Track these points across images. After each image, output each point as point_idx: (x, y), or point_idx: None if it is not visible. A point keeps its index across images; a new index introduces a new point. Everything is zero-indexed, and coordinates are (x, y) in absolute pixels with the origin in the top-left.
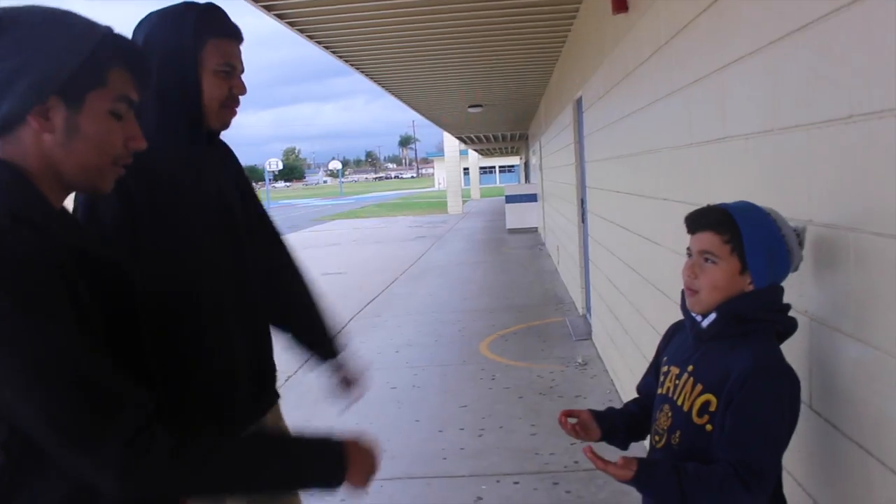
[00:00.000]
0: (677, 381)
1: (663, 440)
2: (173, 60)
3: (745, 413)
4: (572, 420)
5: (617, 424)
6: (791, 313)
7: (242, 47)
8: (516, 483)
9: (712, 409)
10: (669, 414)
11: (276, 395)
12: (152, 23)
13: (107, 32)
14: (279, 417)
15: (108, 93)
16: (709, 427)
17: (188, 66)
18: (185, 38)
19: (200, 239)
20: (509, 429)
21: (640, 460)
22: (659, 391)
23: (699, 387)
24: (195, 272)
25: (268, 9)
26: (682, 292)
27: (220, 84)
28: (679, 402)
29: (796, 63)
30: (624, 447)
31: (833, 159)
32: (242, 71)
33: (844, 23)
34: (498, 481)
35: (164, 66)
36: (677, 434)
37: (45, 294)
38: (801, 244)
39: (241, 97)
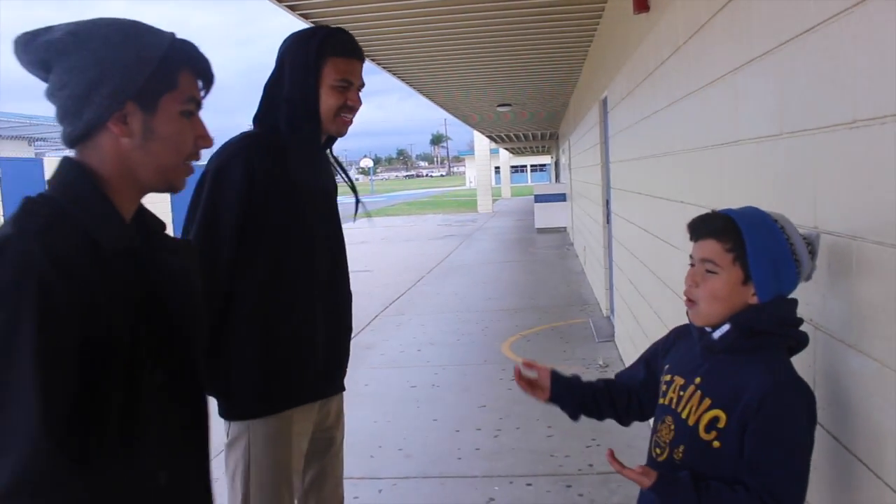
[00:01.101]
0: (681, 393)
1: (665, 453)
2: (299, 74)
3: (765, 437)
4: (531, 374)
5: (573, 394)
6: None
7: (276, 47)
8: (529, 485)
9: (721, 425)
10: (672, 427)
11: (343, 387)
12: (288, 41)
13: (172, 39)
14: (341, 410)
15: (179, 95)
16: (716, 444)
17: (310, 79)
18: (310, 55)
19: (307, 219)
20: (526, 430)
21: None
22: (661, 401)
23: (707, 401)
24: (297, 246)
25: (292, 9)
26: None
27: (336, 96)
28: (684, 416)
29: (804, 66)
30: (573, 418)
31: (837, 165)
32: (361, 86)
33: (849, 25)
34: (511, 482)
35: (292, 77)
36: (681, 449)
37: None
38: (813, 253)
39: (356, 108)
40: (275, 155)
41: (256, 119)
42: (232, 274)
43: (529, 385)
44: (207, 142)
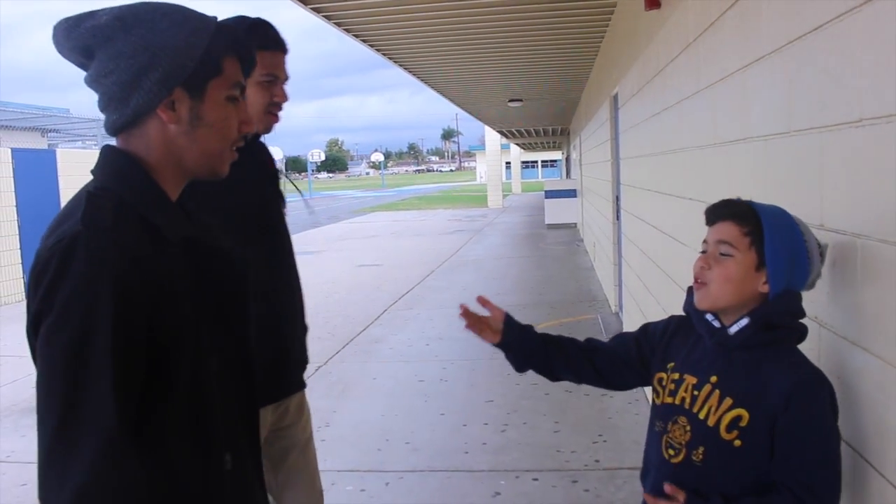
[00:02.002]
0: (696, 393)
1: (681, 455)
2: None
3: (798, 436)
4: (484, 311)
5: (523, 344)
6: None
7: (289, 39)
8: (535, 480)
9: (743, 423)
10: (688, 428)
11: (299, 385)
12: None
13: (217, 23)
14: (302, 407)
15: (225, 80)
16: (738, 443)
17: None
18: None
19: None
20: (533, 425)
21: (688, 492)
22: (669, 400)
23: (728, 400)
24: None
25: (304, 2)
26: (688, 290)
27: (262, 92)
28: (702, 416)
29: (812, 64)
30: (518, 370)
31: (843, 164)
32: (286, 80)
33: (856, 24)
34: (517, 477)
35: None
36: (700, 450)
37: (93, 312)
38: (823, 257)
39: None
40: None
41: None
42: None
43: (478, 324)
44: (251, 126)
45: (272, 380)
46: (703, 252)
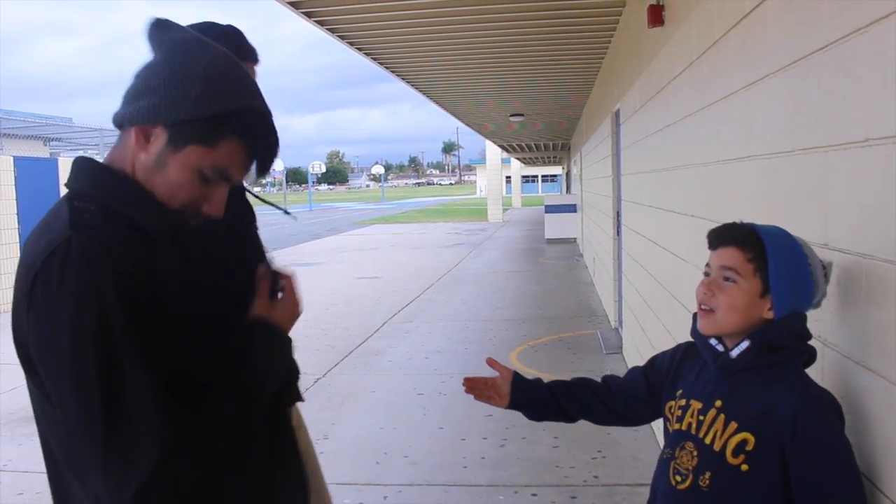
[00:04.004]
0: (701, 418)
1: (688, 481)
2: None
3: (811, 460)
4: (493, 375)
5: (533, 400)
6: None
7: (292, 51)
8: (534, 495)
9: (749, 448)
10: (695, 453)
11: (299, 396)
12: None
13: (252, 107)
14: (299, 416)
15: (210, 155)
16: (744, 467)
17: None
18: None
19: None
20: (532, 440)
21: None
22: (676, 427)
23: (733, 424)
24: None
25: (308, 15)
26: (694, 315)
27: None
28: (708, 441)
29: (817, 84)
30: (532, 420)
31: (848, 183)
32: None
33: (862, 44)
34: (516, 492)
35: None
36: (707, 475)
37: (97, 319)
38: (827, 278)
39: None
40: None
41: None
42: None
43: (485, 392)
44: (213, 211)
45: None
46: (707, 275)
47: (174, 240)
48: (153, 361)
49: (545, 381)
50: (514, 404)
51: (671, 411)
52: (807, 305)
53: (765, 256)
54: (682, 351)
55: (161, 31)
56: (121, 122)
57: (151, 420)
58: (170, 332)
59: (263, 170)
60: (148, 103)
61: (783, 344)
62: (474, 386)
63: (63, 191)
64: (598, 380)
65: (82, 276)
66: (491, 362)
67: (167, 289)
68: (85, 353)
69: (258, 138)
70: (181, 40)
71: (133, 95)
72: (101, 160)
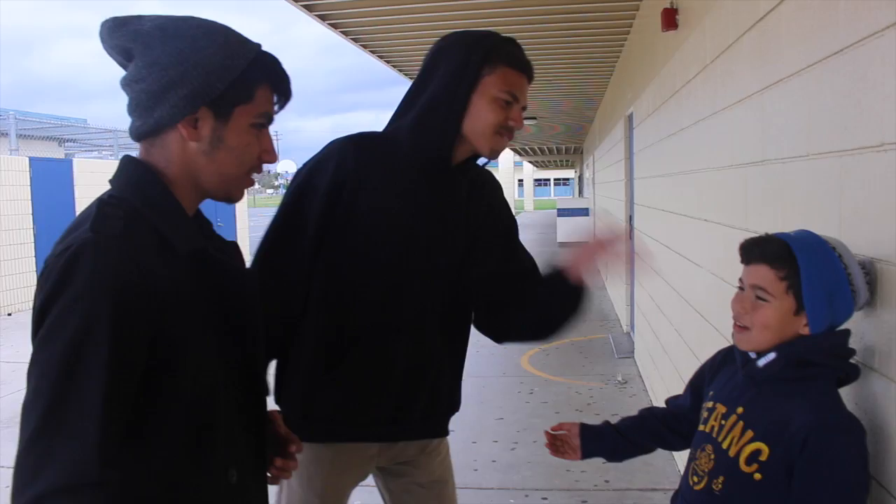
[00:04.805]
0: (723, 422)
1: (703, 483)
2: (453, 76)
3: (813, 480)
4: (560, 432)
5: (604, 445)
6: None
7: (307, 55)
8: (545, 499)
9: (763, 458)
10: (712, 456)
11: (445, 430)
12: (448, 40)
13: (258, 51)
14: (436, 455)
15: (253, 108)
16: (757, 476)
17: (463, 85)
18: (472, 58)
19: (376, 245)
20: (542, 443)
21: None
22: (701, 427)
23: (749, 433)
24: (364, 268)
25: (322, 18)
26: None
27: (497, 111)
28: (725, 446)
29: (832, 88)
30: (611, 461)
31: (864, 188)
32: (525, 107)
33: (878, 49)
34: (527, 496)
35: (442, 80)
36: (720, 480)
37: (101, 322)
38: (871, 283)
39: (513, 129)
40: (380, 158)
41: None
42: (308, 273)
43: (559, 445)
44: (271, 157)
45: (400, 416)
46: (741, 289)
47: (194, 257)
48: (122, 385)
49: (611, 421)
50: (587, 454)
51: (702, 413)
52: (846, 317)
53: (798, 273)
54: (722, 355)
55: (123, 29)
56: (154, 129)
57: (85, 439)
58: (170, 349)
59: (287, 98)
60: (180, 96)
61: (815, 360)
62: (551, 443)
63: (77, 191)
64: (662, 405)
65: (84, 283)
66: (556, 429)
67: (179, 307)
68: (56, 349)
69: (277, 73)
70: (158, 28)
71: (155, 99)
72: (149, 162)
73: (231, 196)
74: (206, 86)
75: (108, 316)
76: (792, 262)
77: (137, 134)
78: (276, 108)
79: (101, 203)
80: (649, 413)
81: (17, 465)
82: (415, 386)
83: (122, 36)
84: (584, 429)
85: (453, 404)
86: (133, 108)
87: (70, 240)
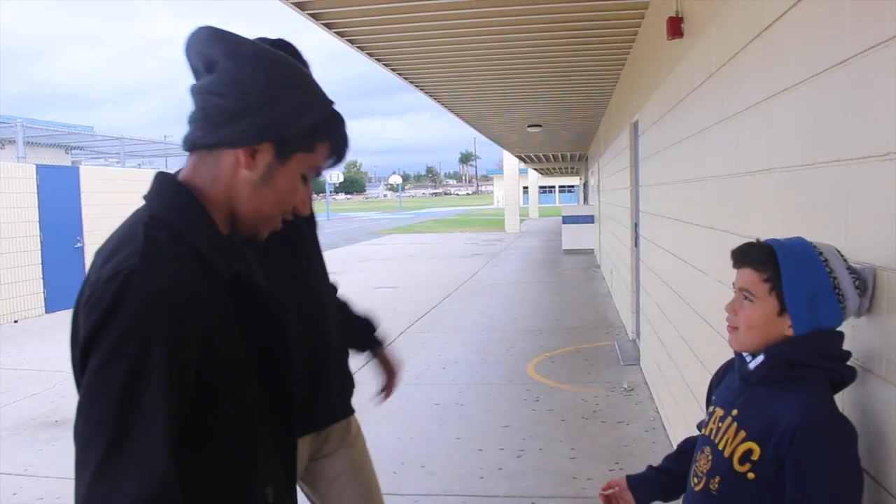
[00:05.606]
0: (720, 424)
1: (702, 483)
2: None
3: (803, 476)
4: (611, 490)
5: (654, 488)
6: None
7: (313, 62)
8: None
9: (755, 457)
10: (710, 457)
11: (338, 416)
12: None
13: (332, 108)
14: (348, 435)
15: (310, 159)
16: (751, 475)
17: None
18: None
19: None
20: (549, 451)
21: None
22: (702, 431)
23: (742, 433)
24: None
25: (328, 26)
26: None
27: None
28: (720, 447)
29: (838, 97)
30: (670, 501)
31: (869, 196)
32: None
33: (883, 58)
34: (533, 503)
35: None
36: (717, 480)
37: (147, 353)
38: (863, 288)
39: None
40: None
41: None
42: None
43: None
44: (306, 209)
45: (307, 409)
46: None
47: (232, 284)
48: (177, 412)
49: (654, 464)
50: (641, 502)
51: (705, 417)
52: (833, 321)
53: (780, 277)
54: (725, 366)
55: (219, 42)
56: (214, 145)
57: (154, 468)
58: (214, 374)
59: (340, 160)
60: (252, 123)
61: (802, 360)
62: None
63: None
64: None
65: (137, 311)
66: (606, 488)
67: (224, 332)
68: (115, 377)
69: (340, 135)
70: (255, 54)
71: (227, 117)
72: (187, 182)
73: (257, 232)
74: (280, 124)
75: (164, 342)
76: (775, 265)
77: (193, 144)
78: (328, 164)
79: (147, 226)
80: (686, 442)
81: (86, 499)
82: (310, 377)
83: (217, 48)
84: (631, 479)
85: (347, 384)
86: (198, 118)
87: (116, 263)
